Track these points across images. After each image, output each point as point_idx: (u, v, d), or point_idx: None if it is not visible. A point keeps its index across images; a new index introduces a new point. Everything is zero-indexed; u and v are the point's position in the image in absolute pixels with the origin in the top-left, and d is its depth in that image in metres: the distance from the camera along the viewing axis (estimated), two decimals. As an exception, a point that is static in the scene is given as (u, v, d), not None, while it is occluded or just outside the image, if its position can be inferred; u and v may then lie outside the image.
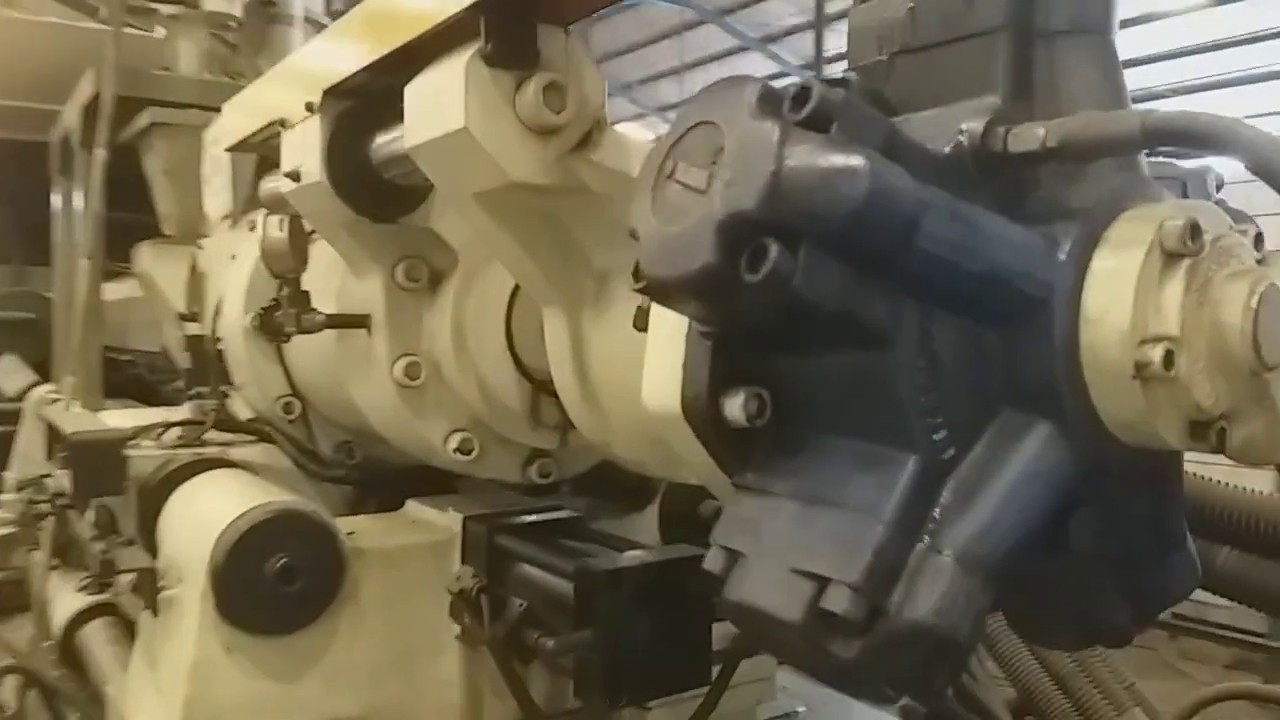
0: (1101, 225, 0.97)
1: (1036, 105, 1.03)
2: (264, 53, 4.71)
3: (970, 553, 0.96)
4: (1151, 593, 1.14)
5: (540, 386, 1.97)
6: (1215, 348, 0.91)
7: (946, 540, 0.96)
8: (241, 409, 2.70)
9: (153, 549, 2.11)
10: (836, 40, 20.35)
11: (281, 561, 1.83)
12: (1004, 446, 0.99)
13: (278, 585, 1.83)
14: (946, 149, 0.99)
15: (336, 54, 1.69)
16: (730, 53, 22.96)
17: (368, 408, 2.09)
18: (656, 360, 1.18)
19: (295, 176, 1.85)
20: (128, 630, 3.11)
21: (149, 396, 4.72)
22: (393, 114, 1.82)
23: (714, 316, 1.01)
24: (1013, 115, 1.00)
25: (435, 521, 2.10)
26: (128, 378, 4.94)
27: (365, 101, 1.77)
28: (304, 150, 1.82)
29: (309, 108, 1.77)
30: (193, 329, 3.27)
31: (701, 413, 1.09)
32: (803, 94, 0.92)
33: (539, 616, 1.76)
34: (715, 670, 1.81)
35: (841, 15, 20.13)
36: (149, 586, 1.89)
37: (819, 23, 19.53)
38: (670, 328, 1.15)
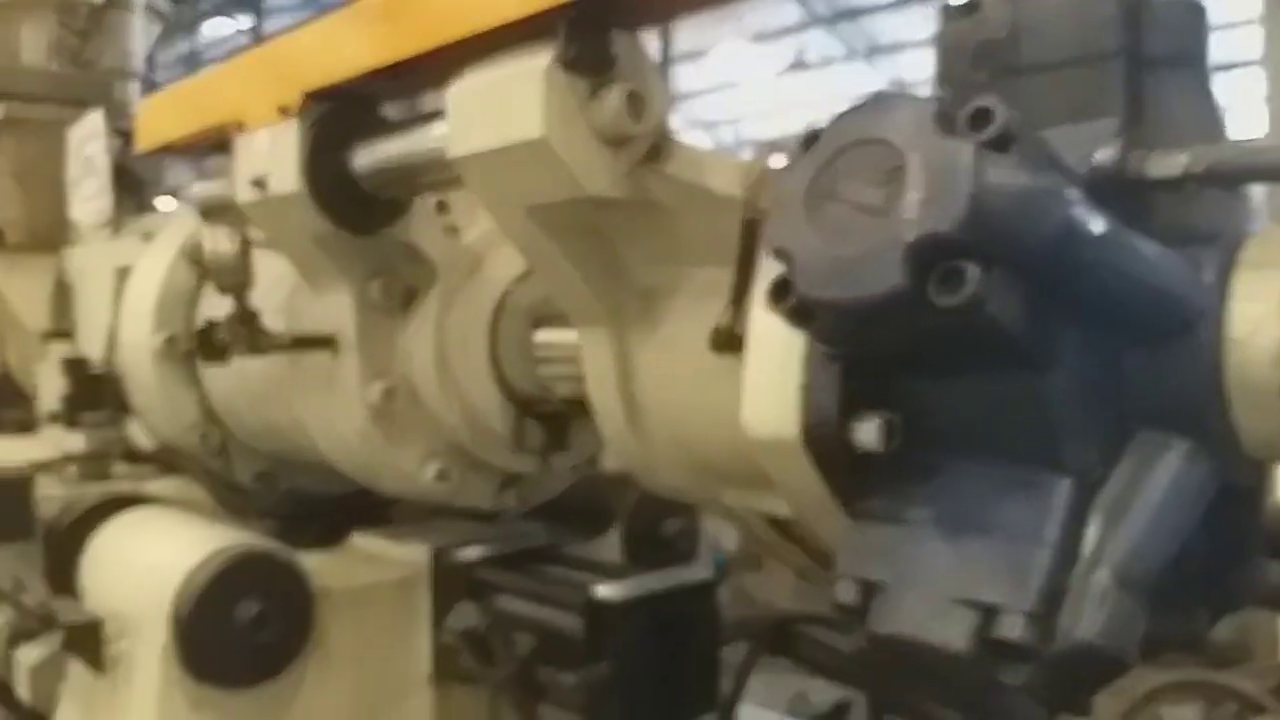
0: (1233, 249, 0.99)
1: (1147, 130, 1.04)
2: (101, 39, 4.29)
3: (1128, 572, 0.95)
4: (1227, 598, 1.18)
5: (523, 408, 1.87)
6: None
7: (1103, 561, 0.96)
8: (141, 438, 2.43)
9: (72, 598, 1.85)
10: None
11: (253, 608, 1.65)
12: (1145, 466, 0.99)
13: (248, 634, 1.65)
14: (1082, 171, 0.99)
15: (327, 52, 1.53)
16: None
17: (325, 436, 1.91)
18: (761, 385, 1.13)
19: (260, 185, 1.67)
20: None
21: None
22: (372, 121, 1.69)
23: (877, 340, 0.96)
24: (1131, 140, 1.01)
25: (398, 556, 1.95)
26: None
27: (347, 106, 1.62)
28: (273, 157, 1.64)
29: (282, 110, 1.60)
30: (62, 349, 2.92)
31: (827, 439, 1.05)
32: (981, 114, 0.89)
33: (542, 651, 1.66)
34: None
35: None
36: (91, 642, 1.66)
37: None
38: (779, 351, 1.10)
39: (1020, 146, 0.89)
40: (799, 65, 19.29)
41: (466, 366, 1.78)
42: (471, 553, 1.87)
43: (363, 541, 2.05)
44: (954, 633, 0.94)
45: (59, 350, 2.95)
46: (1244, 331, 0.96)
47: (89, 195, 2.86)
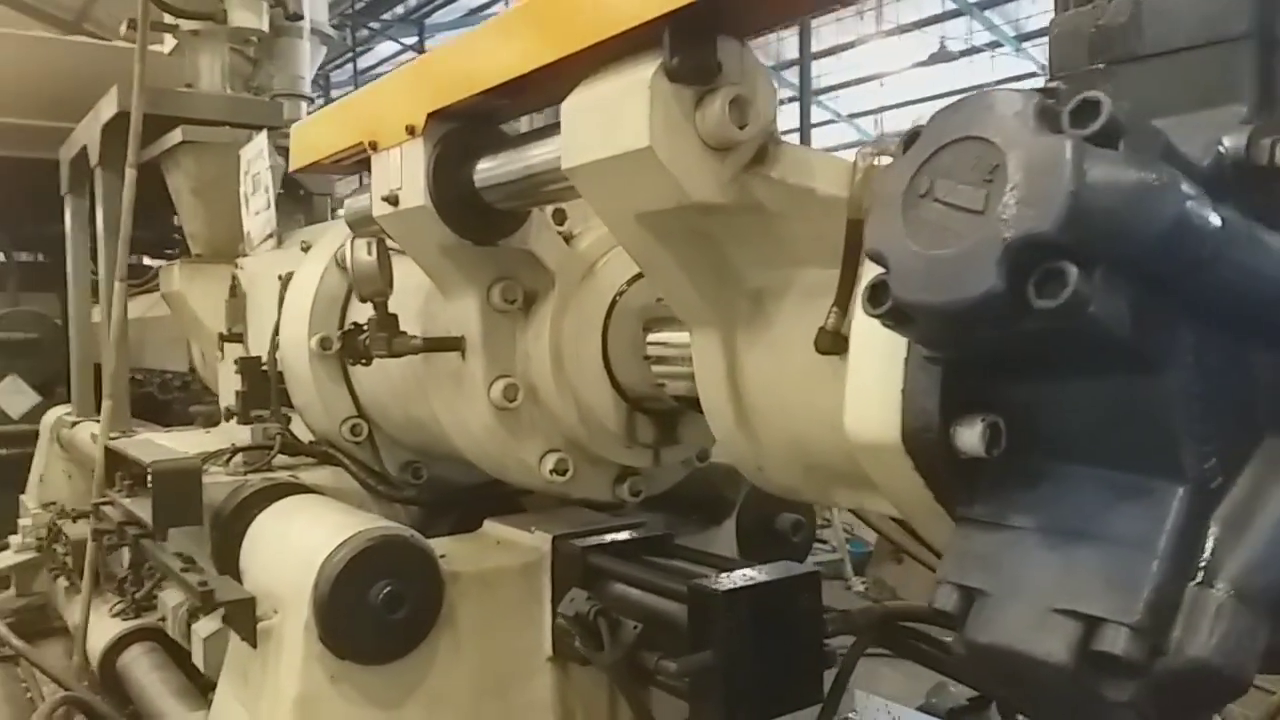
0: (1379, 241, 0.87)
1: (1282, 116, 0.93)
2: (272, 64, 4.51)
3: (1249, 586, 0.85)
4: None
5: (635, 405, 1.85)
6: None
7: (1222, 574, 0.86)
8: (301, 431, 2.53)
9: (234, 577, 1.94)
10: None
11: (387, 589, 1.68)
12: (1272, 474, 0.89)
13: (383, 613, 1.68)
14: (1205, 162, 0.89)
15: (447, 74, 1.55)
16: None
17: (457, 430, 1.94)
18: (864, 387, 1.06)
19: (393, 200, 1.70)
20: (169, 654, 2.94)
21: (160, 415, 4.49)
22: (493, 138, 1.70)
23: (977, 343, 0.89)
24: (1263, 126, 0.90)
25: (522, 542, 1.96)
26: (134, 396, 4.73)
27: (468, 125, 1.63)
28: (403, 173, 1.67)
29: (410, 130, 1.63)
30: (236, 350, 3.08)
31: (929, 443, 0.98)
32: (1086, 108, 0.81)
33: (649, 638, 1.64)
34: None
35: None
36: (245, 618, 1.73)
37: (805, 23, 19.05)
38: (881, 354, 1.04)
39: (1131, 140, 0.80)
40: (943, 55, 18.56)
41: (580, 366, 1.77)
42: (587, 541, 1.86)
43: (493, 528, 2.07)
44: (1054, 645, 0.86)
45: (233, 351, 3.12)
46: (1385, 331, 0.84)
47: (257, 210, 3.00)
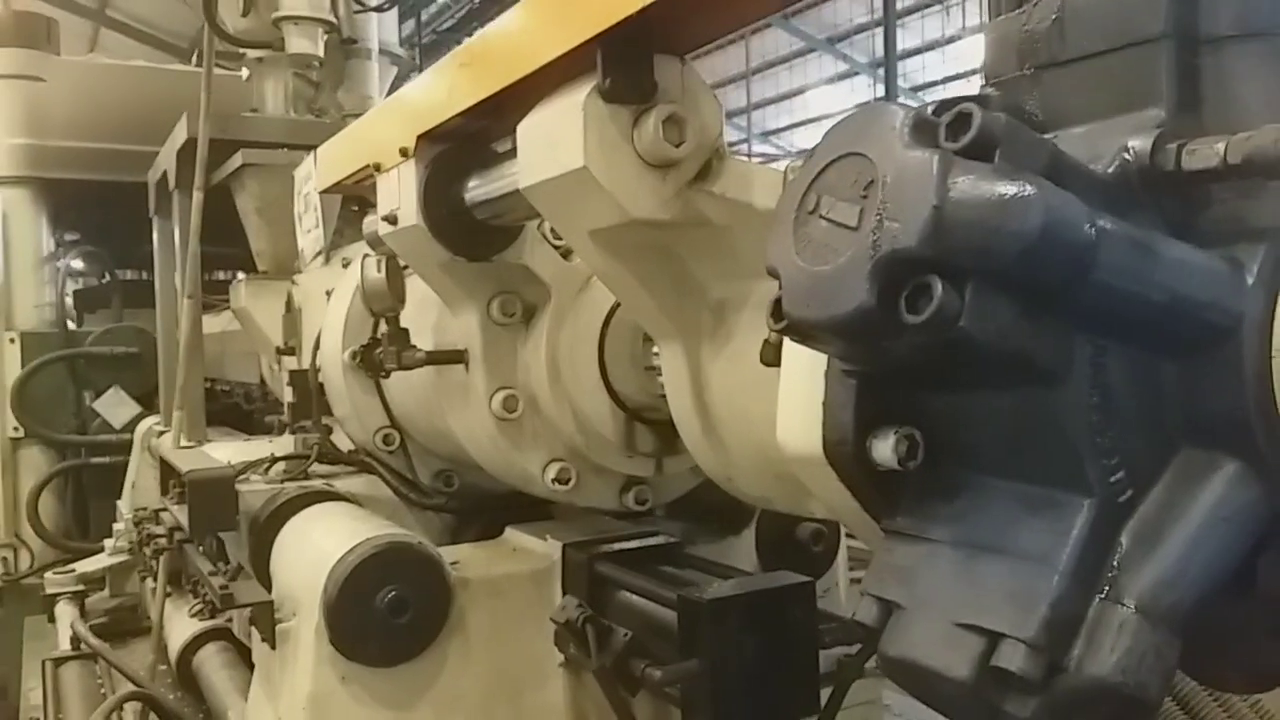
0: (1289, 245, 0.84)
1: (1205, 116, 0.90)
2: (343, 86, 4.68)
3: (1156, 603, 0.83)
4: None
5: (634, 415, 1.87)
6: None
7: (1128, 590, 0.84)
8: (342, 440, 2.64)
9: (266, 581, 2.05)
10: (904, 38, 19.75)
11: (391, 594, 1.75)
12: (1186, 488, 0.86)
13: (388, 617, 1.75)
14: (1109, 169, 0.87)
15: (429, 99, 1.61)
16: (797, 55, 22.31)
17: (467, 439, 2.00)
18: (792, 400, 1.07)
19: (392, 220, 1.77)
20: (240, 653, 3.09)
21: (245, 424, 4.72)
22: (484, 156, 1.75)
23: (866, 358, 0.90)
24: (1180, 129, 0.88)
25: (535, 549, 2.00)
26: (224, 406, 4.97)
27: (458, 145, 1.69)
28: (399, 194, 1.74)
29: (403, 153, 1.70)
30: (291, 363, 3.23)
31: (847, 456, 0.98)
32: (960, 120, 0.80)
33: (644, 645, 1.66)
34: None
35: (910, 11, 19.56)
36: (266, 620, 1.82)
37: (889, 19, 18.62)
38: (806, 366, 1.04)
39: (1008, 151, 0.80)
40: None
41: (576, 377, 1.80)
42: (595, 549, 1.89)
43: (513, 535, 2.12)
44: (957, 659, 0.86)
45: (290, 364, 3.27)
46: (1294, 339, 0.81)
47: (308, 228, 3.14)
